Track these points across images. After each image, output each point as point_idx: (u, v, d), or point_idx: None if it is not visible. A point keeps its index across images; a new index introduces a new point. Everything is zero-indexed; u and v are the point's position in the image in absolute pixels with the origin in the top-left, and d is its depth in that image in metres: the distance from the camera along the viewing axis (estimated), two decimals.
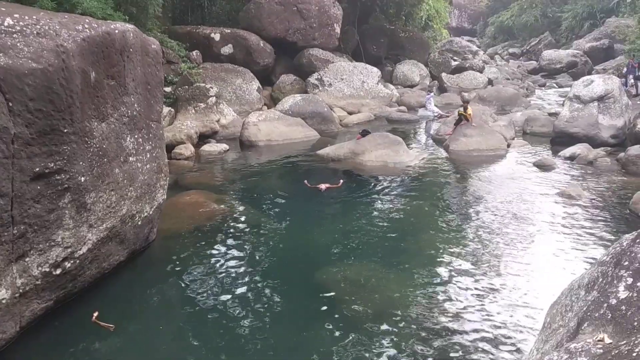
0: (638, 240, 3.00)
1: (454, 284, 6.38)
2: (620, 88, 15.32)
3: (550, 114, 18.73)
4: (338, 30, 24.80)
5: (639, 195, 8.94)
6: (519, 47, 55.10)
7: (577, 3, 49.77)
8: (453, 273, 6.66)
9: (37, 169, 4.91)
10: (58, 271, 5.38)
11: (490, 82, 29.59)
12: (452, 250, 7.42)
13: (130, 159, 6.62)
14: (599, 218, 8.67)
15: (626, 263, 2.90)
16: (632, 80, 23.60)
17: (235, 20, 24.43)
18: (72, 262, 5.55)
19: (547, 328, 3.62)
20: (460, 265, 6.89)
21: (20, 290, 4.97)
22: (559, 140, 14.79)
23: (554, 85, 33.52)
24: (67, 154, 5.23)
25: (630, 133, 14.14)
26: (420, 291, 6.20)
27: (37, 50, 4.81)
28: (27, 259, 5.00)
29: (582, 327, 2.78)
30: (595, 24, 46.39)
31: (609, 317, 2.70)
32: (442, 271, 6.73)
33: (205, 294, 6.20)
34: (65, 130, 5.15)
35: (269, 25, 22.93)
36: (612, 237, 7.46)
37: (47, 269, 5.23)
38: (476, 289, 6.22)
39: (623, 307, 2.68)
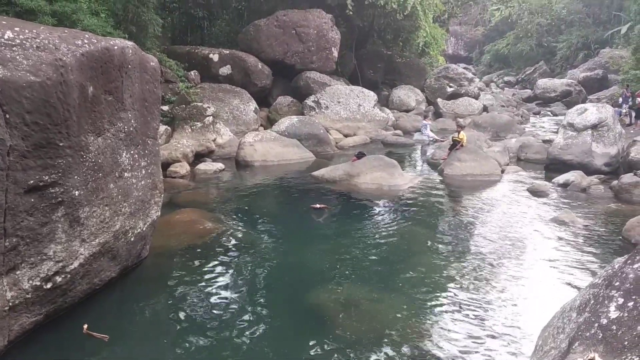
0: (629, 262, 3.01)
1: (446, 307, 6.36)
2: (614, 116, 15.45)
3: (544, 141, 18.86)
4: (336, 54, 25.05)
5: (632, 222, 8.96)
6: (514, 75, 55.79)
7: (572, 33, 50.51)
8: (445, 296, 6.65)
9: (32, 182, 4.90)
10: (49, 285, 5.34)
11: (485, 108, 29.86)
12: (444, 273, 7.41)
13: (126, 174, 6.62)
14: (592, 244, 8.68)
15: (617, 284, 2.91)
16: (626, 110, 23.86)
17: (234, 42, 24.72)
18: (63, 276, 5.52)
19: (538, 350, 3.62)
20: (452, 289, 6.87)
21: (10, 304, 4.93)
22: (553, 167, 14.86)
23: (549, 113, 33.85)
24: (62, 167, 5.23)
25: (623, 161, 14.24)
26: (412, 314, 6.17)
27: (36, 64, 4.84)
28: (17, 272, 4.96)
29: (573, 347, 2.78)
30: (589, 54, 47.06)
31: (599, 336, 2.70)
32: (435, 295, 6.71)
33: (196, 313, 6.16)
34: (61, 144, 5.16)
35: (267, 48, 23.19)
36: (604, 263, 7.46)
37: (38, 283, 5.19)
38: (468, 312, 6.20)
39: (614, 327, 2.68)
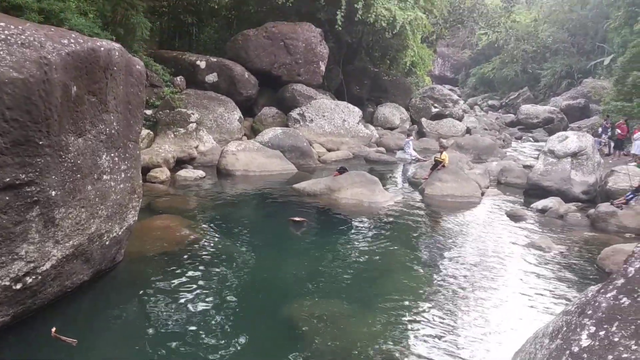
0: (603, 291, 3.03)
1: (419, 328, 6.34)
2: (594, 146, 15.70)
3: (524, 166, 19.07)
4: (323, 68, 25.18)
5: (606, 251, 9.06)
6: (499, 99, 56.63)
7: (556, 62, 51.46)
8: (418, 317, 6.64)
9: (8, 179, 4.81)
10: (18, 286, 5.23)
11: (468, 130, 30.20)
12: (419, 294, 7.41)
13: (104, 177, 6.55)
14: (567, 271, 8.76)
15: (590, 312, 2.93)
16: (606, 140, 24.29)
17: (222, 50, 24.74)
18: (33, 277, 5.41)
19: None
20: (426, 309, 6.87)
21: None
22: (532, 192, 15.02)
23: (530, 138, 34.34)
24: (40, 166, 5.15)
25: (601, 190, 14.45)
26: (386, 332, 6.15)
27: (20, 60, 4.78)
28: None
29: None
30: (572, 83, 47.94)
31: None
32: (409, 314, 6.70)
33: (168, 320, 6.07)
34: (40, 143, 5.08)
35: (255, 58, 23.23)
36: (578, 290, 7.54)
37: (7, 283, 5.08)
38: (440, 333, 6.20)
39: (585, 355, 2.69)
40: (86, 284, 6.59)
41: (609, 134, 24.36)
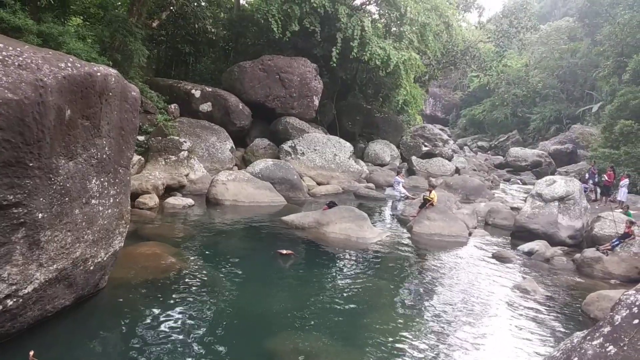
0: (589, 338, 3.03)
1: None
2: (581, 191, 15.83)
3: (512, 208, 19.14)
4: (317, 102, 25.43)
5: (592, 297, 9.06)
6: (488, 141, 57.18)
7: (545, 107, 52.18)
8: (402, 356, 6.58)
9: None
10: None
11: (457, 170, 30.37)
12: (404, 333, 7.35)
13: (93, 201, 6.51)
14: (552, 315, 8.73)
15: (576, 359, 2.92)
16: (592, 186, 24.49)
17: (217, 80, 24.97)
18: (14, 300, 5.33)
19: None
20: (410, 349, 6.81)
21: None
22: (519, 234, 15.05)
23: (518, 181, 34.52)
24: (28, 188, 5.12)
25: (587, 235, 14.51)
26: None
27: (16, 82, 4.80)
28: None
29: None
30: (561, 129, 48.53)
31: None
32: (392, 352, 6.64)
33: (149, 349, 5.97)
34: (30, 164, 5.07)
35: (250, 89, 23.46)
36: (563, 335, 7.50)
37: None
38: None
39: None
40: (68, 309, 6.49)
41: (596, 179, 24.61)
